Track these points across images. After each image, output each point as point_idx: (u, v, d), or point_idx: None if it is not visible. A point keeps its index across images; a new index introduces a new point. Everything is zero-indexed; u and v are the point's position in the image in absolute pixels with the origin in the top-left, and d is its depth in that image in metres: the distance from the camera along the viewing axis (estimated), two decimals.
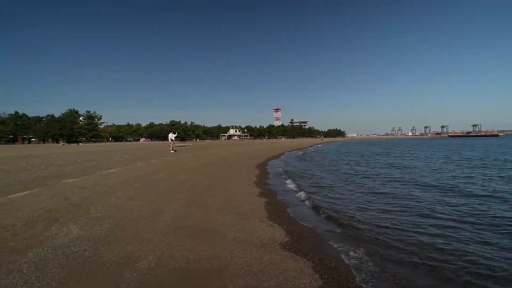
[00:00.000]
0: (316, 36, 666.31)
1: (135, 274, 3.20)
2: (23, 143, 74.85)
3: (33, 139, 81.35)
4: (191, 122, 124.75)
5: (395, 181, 11.85)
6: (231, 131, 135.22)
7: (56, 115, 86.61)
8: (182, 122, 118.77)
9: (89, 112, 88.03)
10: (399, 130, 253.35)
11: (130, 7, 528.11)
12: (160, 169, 12.24)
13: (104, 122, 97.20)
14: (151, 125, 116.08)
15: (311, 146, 60.17)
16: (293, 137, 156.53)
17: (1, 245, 3.73)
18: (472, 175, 13.29)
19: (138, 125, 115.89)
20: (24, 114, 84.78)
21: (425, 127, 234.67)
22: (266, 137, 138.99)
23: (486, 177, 12.43)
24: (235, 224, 5.26)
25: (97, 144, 68.66)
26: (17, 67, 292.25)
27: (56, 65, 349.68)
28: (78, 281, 3.00)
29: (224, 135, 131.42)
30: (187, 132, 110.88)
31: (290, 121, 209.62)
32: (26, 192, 6.68)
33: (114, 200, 6.43)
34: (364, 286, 3.32)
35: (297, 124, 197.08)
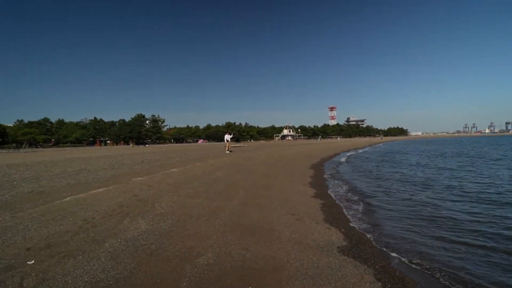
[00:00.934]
0: (372, 29, 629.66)
1: (195, 269, 3.35)
2: (100, 145, 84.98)
3: (109, 141, 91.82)
4: (246, 123, 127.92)
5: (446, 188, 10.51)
6: (285, 131, 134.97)
7: (127, 120, 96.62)
8: (237, 123, 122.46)
9: (154, 116, 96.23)
10: (474, 127, 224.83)
11: (190, 7, 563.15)
12: (217, 169, 12.75)
13: (166, 125, 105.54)
14: (208, 127, 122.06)
15: (370, 146, 56.82)
16: (350, 136, 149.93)
17: (83, 235, 4.24)
18: None
19: (197, 127, 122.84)
20: (101, 119, 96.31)
21: (507, 123, 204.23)
22: (320, 137, 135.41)
23: None
24: (291, 225, 5.20)
25: (161, 145, 74.58)
26: (94, 76, 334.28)
27: (125, 72, 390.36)
28: (145, 272, 3.25)
29: (277, 136, 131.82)
30: (241, 133, 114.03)
31: (346, 119, 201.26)
32: (103, 188, 7.52)
33: (176, 197, 6.86)
34: None
35: (354, 122, 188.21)
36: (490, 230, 5.36)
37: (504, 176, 11.99)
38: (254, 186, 9.09)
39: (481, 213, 6.51)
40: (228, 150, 24.92)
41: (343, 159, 23.58)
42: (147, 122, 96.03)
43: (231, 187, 8.68)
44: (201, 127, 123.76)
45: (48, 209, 5.53)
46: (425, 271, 3.74)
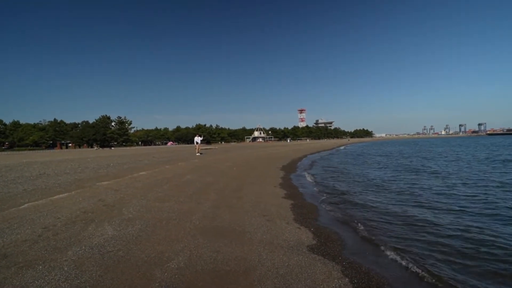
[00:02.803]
0: (341, 35, 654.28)
1: (165, 274, 3.29)
2: (61, 148, 79.83)
3: (70, 144, 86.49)
4: (216, 125, 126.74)
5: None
6: (256, 133, 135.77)
7: (90, 121, 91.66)
8: (208, 125, 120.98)
9: (120, 117, 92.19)
10: (431, 129, 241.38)
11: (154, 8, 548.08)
12: (187, 172, 12.54)
13: (133, 127, 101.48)
14: (178, 129, 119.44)
15: (338, 147, 58.86)
16: (319, 138, 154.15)
17: (43, 244, 3.99)
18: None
19: (166, 129, 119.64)
20: (62, 121, 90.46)
21: (460, 125, 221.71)
22: (290, 138, 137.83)
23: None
24: (262, 226, 5.26)
25: (128, 148, 71.70)
26: (52, 76, 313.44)
27: (87, 72, 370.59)
28: (113, 279, 3.14)
29: (248, 137, 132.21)
30: (212, 135, 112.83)
31: (315, 122, 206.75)
32: (65, 194, 7.11)
33: (145, 201, 6.67)
34: None
35: (322, 125, 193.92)
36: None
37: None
38: (225, 188, 9.06)
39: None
40: (198, 152, 24.61)
41: (312, 160, 24.20)
42: (112, 124, 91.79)
43: (202, 189, 8.60)
44: (170, 129, 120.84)
45: (2, 217, 5.14)
46: (391, 265, 3.97)
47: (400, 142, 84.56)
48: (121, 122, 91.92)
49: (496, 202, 7.64)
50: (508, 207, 7.08)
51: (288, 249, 4.18)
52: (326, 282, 3.25)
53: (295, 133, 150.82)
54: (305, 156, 29.65)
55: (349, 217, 6.44)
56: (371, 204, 7.70)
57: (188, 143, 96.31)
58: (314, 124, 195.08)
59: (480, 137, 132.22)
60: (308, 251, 4.17)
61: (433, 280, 3.53)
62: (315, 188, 10.27)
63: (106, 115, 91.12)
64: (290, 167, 17.48)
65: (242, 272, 3.42)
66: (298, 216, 6.22)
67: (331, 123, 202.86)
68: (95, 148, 74.19)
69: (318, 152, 38.38)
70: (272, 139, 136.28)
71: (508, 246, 4.63)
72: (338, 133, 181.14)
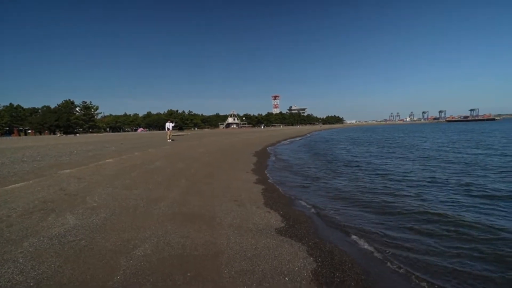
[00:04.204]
0: (313, 22, 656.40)
1: (131, 261, 3.21)
2: (19, 135, 74.29)
3: (30, 131, 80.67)
4: (189, 111, 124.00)
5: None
6: (229, 120, 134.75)
7: (52, 106, 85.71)
8: (180, 111, 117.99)
9: (85, 102, 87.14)
10: (397, 115, 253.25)
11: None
12: (157, 159, 12.22)
13: (101, 113, 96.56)
14: (149, 114, 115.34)
15: (310, 133, 60.06)
16: (292, 125, 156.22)
17: None
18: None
19: (136, 115, 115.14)
20: (19, 106, 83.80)
21: (423, 112, 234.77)
22: (263, 125, 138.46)
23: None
24: (232, 211, 5.28)
25: (94, 134, 68.33)
26: (9, 58, 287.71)
27: (50, 55, 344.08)
28: (73, 269, 3.01)
29: (222, 124, 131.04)
30: (185, 121, 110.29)
31: (288, 108, 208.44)
32: (22, 183, 6.66)
33: (111, 189, 6.42)
34: (357, 271, 3.36)
35: (296, 111, 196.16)
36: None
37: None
38: (196, 174, 8.96)
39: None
40: (170, 139, 24.03)
41: (285, 146, 24.56)
42: (77, 109, 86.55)
43: (173, 176, 8.44)
44: (140, 115, 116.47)
45: None
46: (354, 245, 4.17)
47: (364, 129, 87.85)
48: (87, 107, 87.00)
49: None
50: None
51: (257, 232, 4.24)
52: (292, 262, 3.34)
53: (269, 120, 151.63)
54: (279, 142, 29.99)
55: (318, 201, 6.65)
56: (339, 188, 8.00)
57: (159, 130, 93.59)
58: (288, 111, 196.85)
59: (440, 123, 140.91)
60: (277, 233, 4.26)
61: (394, 261, 3.76)
62: (286, 173, 10.45)
63: (69, 100, 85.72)
64: (263, 153, 17.61)
65: (211, 256, 3.42)
66: (269, 200, 6.31)
67: (304, 109, 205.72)
68: (58, 135, 69.86)
69: (292, 138, 38.97)
70: (246, 125, 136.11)
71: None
72: (310, 120, 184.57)
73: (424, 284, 3.19)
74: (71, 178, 7.40)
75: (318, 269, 3.25)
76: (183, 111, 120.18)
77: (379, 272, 3.38)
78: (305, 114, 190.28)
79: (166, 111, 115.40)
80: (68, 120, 79.97)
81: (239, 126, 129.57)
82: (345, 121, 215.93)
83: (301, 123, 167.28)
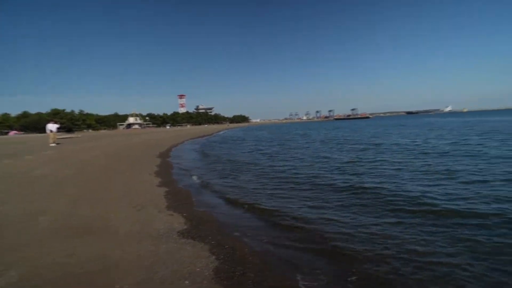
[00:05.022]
0: (218, 20, 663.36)
1: None
2: None
3: None
4: (80, 110, 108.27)
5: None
6: (131, 120, 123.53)
7: None
8: (68, 110, 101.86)
9: None
10: (296, 114, 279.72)
11: None
12: (37, 166, 10.28)
13: None
14: (25, 114, 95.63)
15: (217, 132, 60.40)
16: (199, 124, 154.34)
17: None
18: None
19: (6, 115, 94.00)
20: None
21: (317, 112, 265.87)
22: (169, 125, 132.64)
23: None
24: (130, 217, 4.87)
25: None
26: None
27: None
28: None
29: (122, 124, 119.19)
30: (75, 122, 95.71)
31: (195, 107, 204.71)
32: None
33: None
34: (256, 261, 3.54)
35: (203, 110, 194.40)
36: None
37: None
38: (89, 181, 7.93)
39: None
40: (53, 142, 20.48)
41: (191, 146, 24.07)
42: None
43: (58, 185, 7.26)
44: (13, 114, 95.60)
45: None
46: (254, 241, 4.37)
47: (264, 127, 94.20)
48: None
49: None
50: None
51: (157, 238, 4.01)
52: (194, 263, 3.29)
53: (175, 119, 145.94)
54: (185, 141, 29.19)
55: (224, 199, 6.73)
56: (243, 185, 8.28)
57: (41, 132, 78.91)
58: (195, 110, 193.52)
59: (330, 121, 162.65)
60: (179, 236, 4.12)
61: (284, 244, 4.11)
62: (191, 174, 10.23)
63: None
64: (168, 154, 16.83)
65: (101, 272, 3.06)
66: (172, 202, 6.06)
67: (211, 109, 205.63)
68: None
69: (199, 137, 38.44)
70: (151, 125, 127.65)
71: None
72: (218, 119, 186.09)
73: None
74: None
75: (220, 266, 3.28)
76: (73, 110, 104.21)
77: (274, 261, 3.63)
78: (213, 113, 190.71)
79: (49, 110, 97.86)
80: None
81: (142, 126, 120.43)
82: (250, 120, 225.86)
83: (208, 122, 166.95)
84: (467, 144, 15.28)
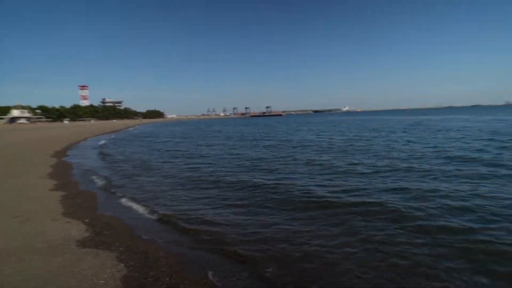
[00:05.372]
0: (125, 8, 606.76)
1: None
2: None
3: None
4: None
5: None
6: (15, 113, 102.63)
7: None
8: None
9: None
10: (213, 110, 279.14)
11: None
12: None
13: None
14: None
15: (128, 128, 55.26)
16: (107, 119, 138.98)
17: None
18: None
19: None
20: None
21: (234, 108, 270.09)
22: (68, 119, 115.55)
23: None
24: (10, 232, 4.00)
25: None
26: None
27: None
28: None
29: (2, 118, 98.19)
30: None
31: (101, 100, 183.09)
32: None
33: None
34: (172, 263, 3.35)
35: (110, 104, 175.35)
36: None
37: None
38: None
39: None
40: None
41: (94, 143, 21.45)
42: None
43: None
44: None
45: None
46: (172, 244, 4.12)
47: (181, 123, 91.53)
48: None
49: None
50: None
51: (49, 251, 3.40)
52: (97, 275, 2.90)
53: (76, 113, 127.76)
54: (88, 139, 25.87)
55: (134, 202, 6.16)
56: (148, 187, 7.69)
57: None
58: (101, 103, 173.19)
59: (246, 118, 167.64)
60: (78, 246, 3.58)
61: (202, 245, 4.01)
62: (93, 175, 9.04)
63: None
64: (65, 153, 14.60)
65: None
66: (70, 208, 5.26)
67: (120, 102, 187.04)
68: None
69: (105, 133, 34.49)
70: (43, 119, 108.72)
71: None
72: (129, 113, 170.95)
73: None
74: None
75: (130, 274, 2.98)
76: None
77: (188, 262, 3.49)
78: (122, 108, 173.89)
79: None
80: None
81: (31, 121, 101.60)
82: (166, 115, 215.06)
83: (117, 117, 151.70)
84: (362, 139, 17.77)
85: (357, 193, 6.07)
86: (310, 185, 6.84)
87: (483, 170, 7.69)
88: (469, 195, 5.55)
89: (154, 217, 5.07)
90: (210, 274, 3.10)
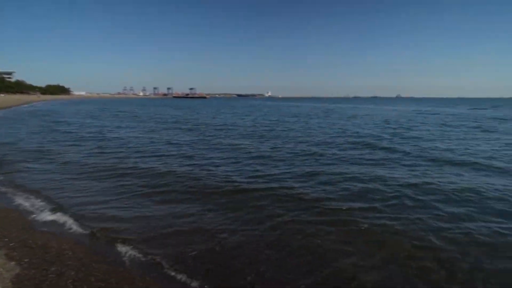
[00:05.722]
0: None
1: None
2: None
3: None
4: None
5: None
6: None
7: None
8: None
9: None
10: (131, 89, 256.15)
11: None
12: None
13: None
14: None
15: (19, 105, 45.67)
16: None
17: None
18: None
19: None
20: None
21: (154, 88, 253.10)
22: None
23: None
24: None
25: None
26: None
27: None
28: None
29: None
30: None
31: None
32: None
33: None
34: (80, 255, 3.00)
35: None
36: None
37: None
38: None
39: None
40: None
41: None
42: None
43: None
44: None
45: None
46: (76, 223, 3.67)
47: (91, 101, 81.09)
48: None
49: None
50: None
51: None
52: None
53: None
54: None
55: (24, 191, 5.27)
56: (42, 176, 6.72)
57: None
58: None
59: (168, 99, 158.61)
60: None
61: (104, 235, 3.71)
62: None
63: None
64: None
65: None
66: None
67: (10, 73, 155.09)
68: None
69: None
70: None
71: None
72: (23, 87, 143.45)
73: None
74: None
75: (24, 272, 2.57)
76: None
77: (98, 252, 3.20)
78: (13, 80, 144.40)
79: None
80: None
81: None
82: (73, 92, 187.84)
83: (7, 92, 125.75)
84: (284, 122, 18.80)
85: (271, 178, 6.24)
86: (228, 172, 6.75)
87: (381, 154, 8.95)
88: (369, 177, 6.29)
89: (49, 205, 4.44)
90: (126, 263, 2.91)
